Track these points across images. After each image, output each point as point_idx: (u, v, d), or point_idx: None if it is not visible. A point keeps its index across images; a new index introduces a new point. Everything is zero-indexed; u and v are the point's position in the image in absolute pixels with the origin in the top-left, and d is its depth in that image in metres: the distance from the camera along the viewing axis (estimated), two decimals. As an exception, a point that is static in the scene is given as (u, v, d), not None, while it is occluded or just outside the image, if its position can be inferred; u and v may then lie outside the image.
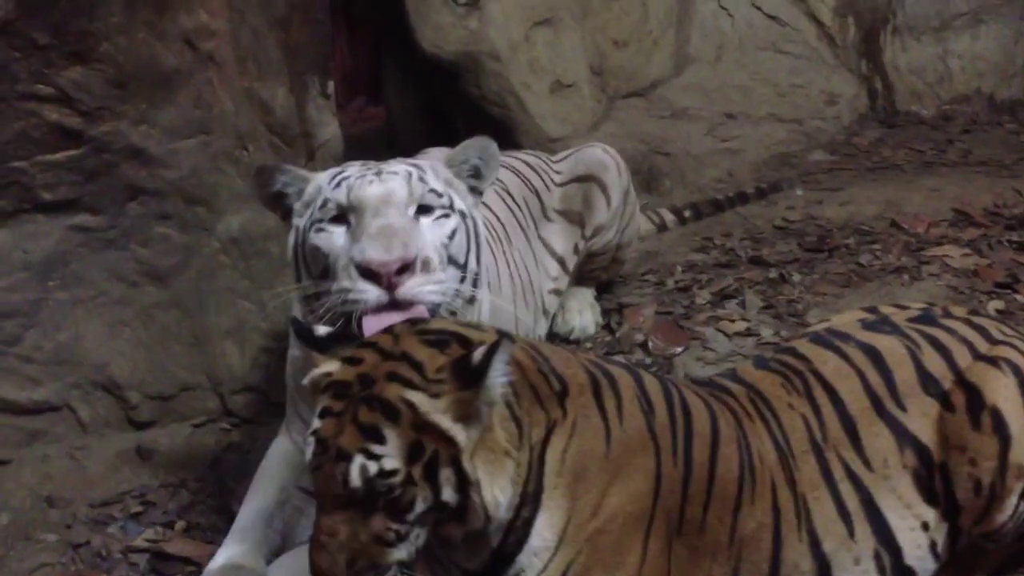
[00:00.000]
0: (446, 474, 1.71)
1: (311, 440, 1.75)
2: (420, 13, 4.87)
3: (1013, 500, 2.05)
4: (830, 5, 6.13)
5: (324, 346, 1.88)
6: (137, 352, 3.12)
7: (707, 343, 3.41)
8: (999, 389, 2.05)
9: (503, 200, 3.34)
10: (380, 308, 2.26)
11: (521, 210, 3.41)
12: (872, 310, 2.34)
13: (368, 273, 2.24)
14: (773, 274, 3.88)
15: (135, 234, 3.04)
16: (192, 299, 3.14)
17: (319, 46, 3.32)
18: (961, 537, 2.13)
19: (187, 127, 3.01)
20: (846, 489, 2.06)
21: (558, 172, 3.61)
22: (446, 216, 2.42)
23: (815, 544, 2.04)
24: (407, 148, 3.50)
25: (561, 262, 3.51)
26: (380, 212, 2.32)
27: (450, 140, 3.82)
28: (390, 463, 1.67)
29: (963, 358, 2.12)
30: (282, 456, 2.73)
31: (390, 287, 2.25)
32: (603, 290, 3.84)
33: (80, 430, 3.09)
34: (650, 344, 3.44)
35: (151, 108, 2.94)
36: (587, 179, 3.55)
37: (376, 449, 1.68)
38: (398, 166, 2.45)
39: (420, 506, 1.71)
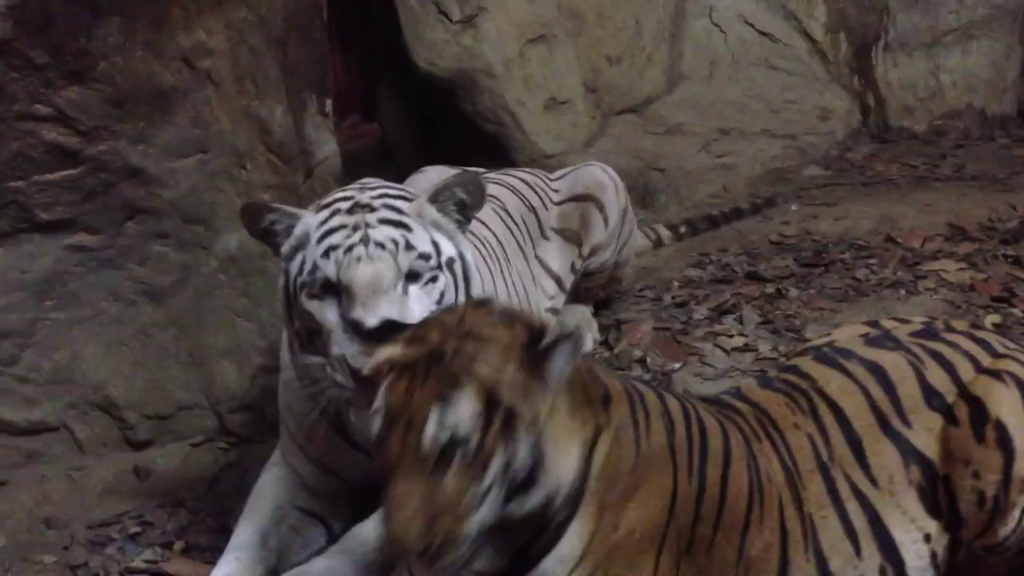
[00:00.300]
0: (520, 435, 1.71)
1: (378, 415, 1.74)
2: (414, 30, 4.88)
3: (1016, 513, 2.06)
4: (822, 21, 6.17)
5: (378, 336, 1.90)
6: (135, 372, 3.11)
7: (705, 359, 3.41)
8: (1003, 402, 2.06)
9: (500, 218, 3.34)
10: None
11: (519, 228, 3.41)
12: (874, 324, 2.35)
13: (357, 376, 2.19)
14: (770, 289, 3.88)
15: (133, 253, 3.03)
16: (190, 318, 3.13)
17: (317, 65, 3.32)
18: (960, 549, 2.13)
19: (185, 146, 3.01)
20: (852, 508, 2.06)
21: (556, 191, 3.62)
22: (434, 280, 2.40)
23: (822, 564, 2.04)
24: (401, 165, 3.50)
25: (558, 281, 3.51)
26: (369, 303, 2.28)
27: (444, 157, 3.85)
28: (464, 428, 1.67)
29: (966, 372, 2.13)
30: (277, 476, 2.72)
31: None
32: (600, 306, 3.84)
33: (77, 450, 3.08)
34: (648, 360, 3.43)
35: (149, 127, 2.94)
36: (585, 198, 3.56)
37: (448, 415, 1.67)
38: (386, 231, 2.39)
39: (495, 469, 1.69)
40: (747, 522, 1.99)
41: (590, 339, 3.63)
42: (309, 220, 2.44)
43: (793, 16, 6.18)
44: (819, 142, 5.79)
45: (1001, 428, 2.04)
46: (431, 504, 1.66)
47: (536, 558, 1.84)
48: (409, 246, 2.38)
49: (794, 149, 5.64)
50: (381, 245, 2.36)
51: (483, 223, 3.09)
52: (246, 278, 3.17)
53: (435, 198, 2.50)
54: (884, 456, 2.08)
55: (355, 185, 2.56)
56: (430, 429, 1.67)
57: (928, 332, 2.25)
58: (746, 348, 3.45)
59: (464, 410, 1.68)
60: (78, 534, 2.84)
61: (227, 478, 3.06)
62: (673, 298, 3.90)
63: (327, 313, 2.34)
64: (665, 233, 4.51)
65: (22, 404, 2.99)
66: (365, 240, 2.36)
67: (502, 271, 3.15)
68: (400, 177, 3.09)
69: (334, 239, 2.38)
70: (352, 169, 3.57)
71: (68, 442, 3.06)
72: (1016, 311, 3.56)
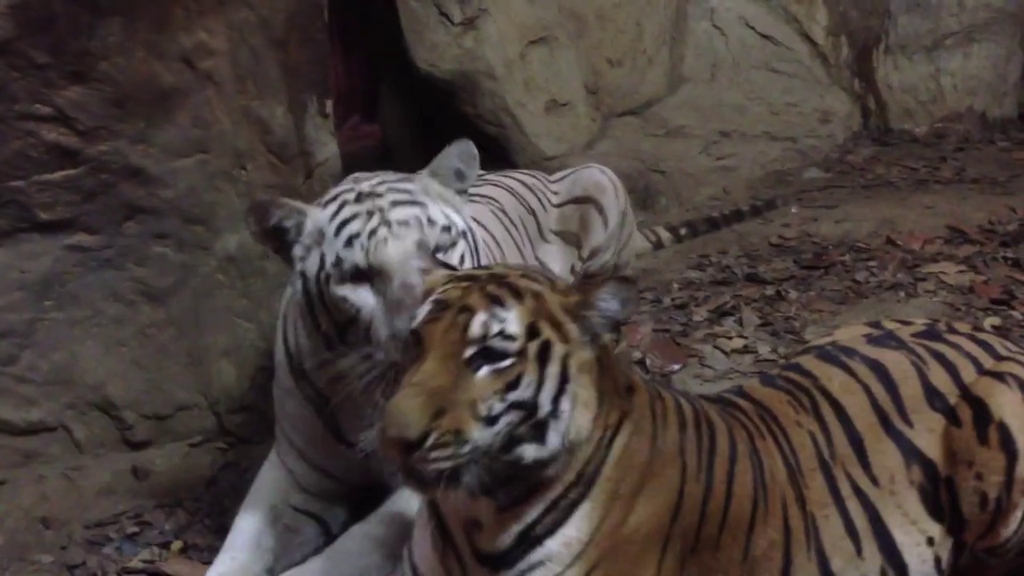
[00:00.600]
0: (553, 369, 1.74)
1: (429, 304, 1.78)
2: (416, 32, 4.88)
3: (1018, 515, 2.05)
4: (823, 24, 6.18)
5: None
6: (133, 372, 3.10)
7: (705, 360, 3.41)
8: (1006, 404, 2.05)
9: (499, 220, 3.33)
10: None
11: (518, 230, 3.41)
12: (876, 325, 2.35)
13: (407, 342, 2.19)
14: (770, 291, 3.89)
15: (132, 253, 3.02)
16: (189, 318, 3.12)
17: (317, 65, 3.31)
18: (964, 552, 2.13)
19: (185, 146, 3.00)
20: (853, 506, 2.06)
21: (555, 193, 3.62)
22: (453, 245, 2.41)
23: (823, 563, 2.03)
24: (401, 166, 3.49)
25: (559, 282, 3.51)
26: (407, 281, 2.23)
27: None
28: (512, 327, 1.72)
29: (969, 373, 2.13)
30: (273, 476, 2.72)
31: None
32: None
33: (76, 450, 3.07)
34: (648, 362, 3.43)
35: (149, 127, 2.93)
36: (585, 200, 3.56)
37: (501, 312, 1.73)
38: (405, 211, 2.38)
39: (522, 388, 1.71)
40: (752, 521, 1.99)
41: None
42: (319, 216, 2.41)
43: (794, 19, 6.19)
44: (820, 145, 5.80)
45: (1004, 430, 2.04)
46: (450, 392, 1.67)
47: (541, 538, 1.83)
48: (431, 221, 2.38)
49: (794, 151, 5.65)
50: (405, 223, 2.35)
51: (481, 225, 3.09)
52: (245, 279, 3.17)
53: (435, 172, 2.51)
54: (886, 455, 2.08)
55: (348, 180, 2.54)
56: (480, 318, 1.71)
57: (930, 333, 2.25)
58: (746, 350, 3.46)
59: (515, 316, 1.73)
60: (76, 534, 2.83)
61: (225, 478, 3.06)
62: (673, 300, 3.91)
63: (363, 296, 2.31)
64: (665, 235, 4.51)
65: (21, 404, 2.99)
66: (386, 222, 2.34)
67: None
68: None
69: (353, 227, 2.35)
70: (352, 170, 3.52)
71: (66, 442, 3.05)
72: (1016, 313, 3.57)
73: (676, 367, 3.39)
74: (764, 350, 3.44)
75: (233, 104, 3.07)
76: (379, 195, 2.40)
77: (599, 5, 5.49)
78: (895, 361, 2.16)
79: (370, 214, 2.35)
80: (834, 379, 2.15)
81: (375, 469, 2.52)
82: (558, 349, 1.76)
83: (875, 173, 5.52)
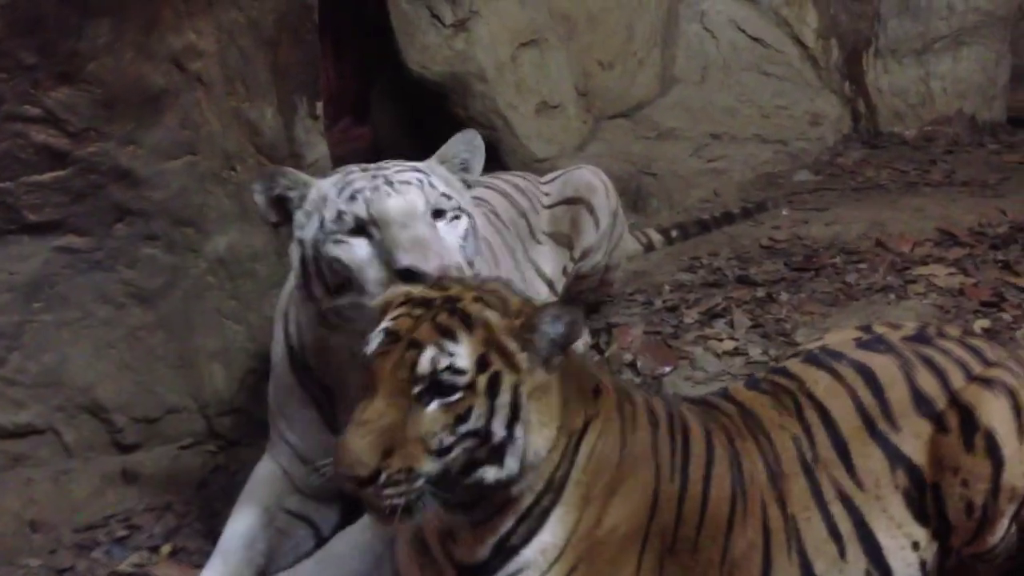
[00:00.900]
0: (504, 399, 1.74)
1: (380, 334, 1.77)
2: (407, 34, 4.88)
3: (1005, 522, 2.06)
4: (813, 27, 6.20)
5: (408, 277, 2.05)
6: (123, 374, 3.08)
7: (696, 363, 3.41)
8: (993, 411, 2.05)
9: (491, 222, 3.33)
10: None
11: (509, 231, 3.41)
12: (866, 328, 2.35)
13: (411, 277, 2.21)
14: (760, 293, 3.89)
15: (121, 255, 3.01)
16: (179, 320, 3.11)
17: (308, 67, 3.31)
18: (950, 557, 2.13)
19: (174, 148, 2.99)
20: (837, 510, 2.06)
21: (546, 194, 3.62)
22: (457, 217, 2.45)
23: (805, 565, 2.04)
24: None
25: (550, 284, 3.51)
26: (408, 225, 2.32)
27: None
28: (461, 361, 1.71)
29: (957, 379, 2.13)
30: (266, 478, 2.71)
31: None
32: (591, 310, 3.84)
33: (65, 453, 3.05)
34: (639, 364, 3.44)
35: (138, 128, 2.92)
36: (576, 201, 3.56)
37: (450, 346, 1.72)
38: (407, 174, 2.45)
39: (473, 420, 1.71)
40: (730, 523, 2.00)
41: (580, 343, 3.63)
42: (324, 186, 2.45)
43: (785, 22, 6.21)
44: (810, 147, 5.81)
45: (991, 437, 2.04)
46: (399, 429, 1.67)
47: (518, 547, 1.84)
48: (432, 185, 2.44)
49: (785, 154, 5.66)
50: (406, 182, 2.40)
51: (474, 226, 3.09)
52: (235, 280, 3.16)
53: (442, 159, 2.58)
54: (871, 459, 2.08)
55: (340, 170, 2.57)
56: (428, 354, 1.70)
57: (920, 337, 2.25)
58: (736, 352, 3.46)
59: (464, 351, 1.72)
60: (64, 537, 2.82)
61: (215, 481, 3.05)
62: (664, 302, 3.91)
63: (357, 251, 2.34)
64: (656, 237, 4.51)
65: (9, 407, 2.96)
66: (388, 181, 2.40)
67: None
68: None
69: (356, 185, 2.40)
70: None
71: (55, 445, 3.03)
72: (1005, 316, 3.57)
73: (667, 369, 3.39)
74: (755, 352, 3.44)
75: (222, 105, 3.06)
76: (384, 168, 2.48)
77: (590, 7, 5.49)
78: (883, 365, 2.16)
79: (375, 177, 2.43)
80: (820, 383, 2.15)
81: (359, 388, 2.53)
82: (508, 379, 1.75)
83: (865, 176, 5.53)
